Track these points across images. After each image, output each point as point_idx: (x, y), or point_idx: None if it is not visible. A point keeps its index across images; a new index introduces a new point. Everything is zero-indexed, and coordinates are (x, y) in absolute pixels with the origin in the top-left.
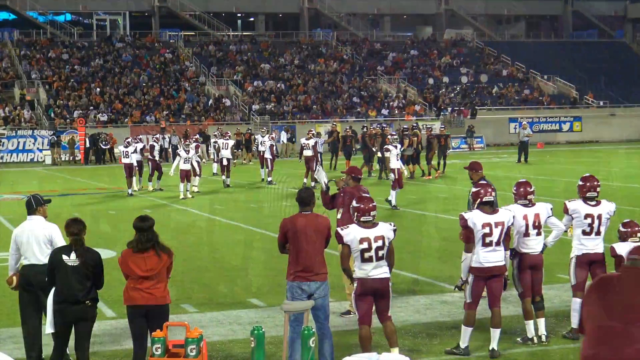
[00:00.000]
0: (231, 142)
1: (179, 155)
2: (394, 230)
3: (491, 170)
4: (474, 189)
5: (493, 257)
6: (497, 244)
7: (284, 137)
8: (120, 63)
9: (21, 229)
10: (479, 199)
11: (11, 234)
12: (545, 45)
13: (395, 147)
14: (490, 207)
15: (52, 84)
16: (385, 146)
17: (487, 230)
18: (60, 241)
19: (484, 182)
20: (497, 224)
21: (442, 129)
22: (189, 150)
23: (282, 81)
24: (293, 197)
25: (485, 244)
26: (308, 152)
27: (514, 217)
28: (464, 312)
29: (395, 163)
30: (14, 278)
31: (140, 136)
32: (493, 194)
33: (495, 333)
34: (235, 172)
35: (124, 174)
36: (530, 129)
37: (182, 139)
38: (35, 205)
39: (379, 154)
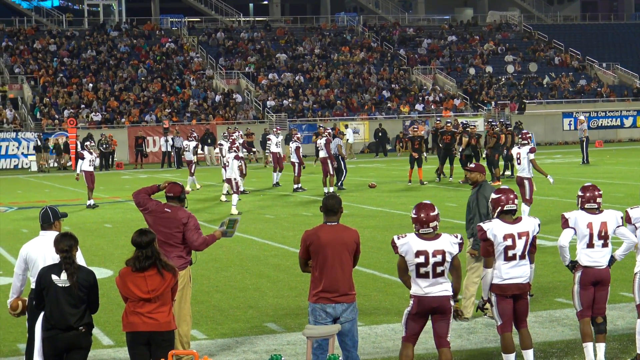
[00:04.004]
0: (193, 144)
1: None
2: (460, 244)
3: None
4: (494, 195)
5: (517, 272)
6: (522, 257)
7: (349, 135)
8: (115, 54)
9: (33, 245)
10: (500, 207)
11: None
12: (604, 28)
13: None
14: (512, 216)
15: (38, 80)
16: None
17: (509, 242)
18: (82, 261)
19: (506, 187)
20: (520, 235)
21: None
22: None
23: (300, 73)
24: (317, 205)
25: (507, 258)
26: (322, 153)
27: (539, 225)
28: (499, 337)
29: (526, 172)
30: (20, 302)
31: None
32: (516, 201)
33: (529, 355)
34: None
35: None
36: (588, 124)
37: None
38: (53, 218)
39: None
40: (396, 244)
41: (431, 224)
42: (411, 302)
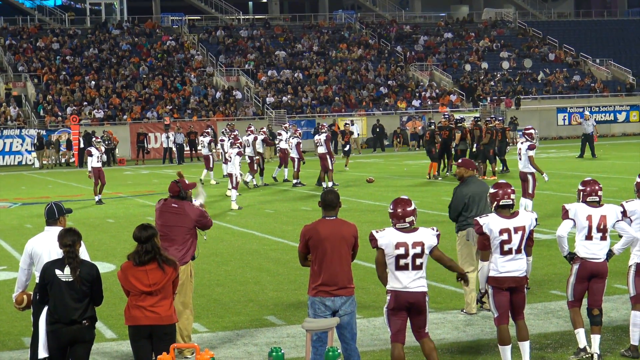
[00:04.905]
0: (207, 139)
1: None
2: (437, 236)
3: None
4: (491, 190)
5: (513, 265)
6: (518, 251)
7: (355, 130)
8: (117, 52)
9: (38, 240)
10: (496, 202)
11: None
12: (597, 24)
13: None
14: (509, 211)
15: (41, 77)
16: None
17: (505, 236)
18: (86, 256)
19: (503, 181)
20: (517, 229)
21: (499, 122)
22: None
23: (299, 70)
24: (315, 200)
25: (503, 252)
26: (321, 149)
27: (536, 219)
28: (496, 329)
29: (529, 167)
30: (25, 297)
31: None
32: (512, 196)
33: (525, 346)
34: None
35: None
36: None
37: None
38: (57, 214)
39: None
40: (375, 237)
41: (407, 219)
42: (388, 297)
